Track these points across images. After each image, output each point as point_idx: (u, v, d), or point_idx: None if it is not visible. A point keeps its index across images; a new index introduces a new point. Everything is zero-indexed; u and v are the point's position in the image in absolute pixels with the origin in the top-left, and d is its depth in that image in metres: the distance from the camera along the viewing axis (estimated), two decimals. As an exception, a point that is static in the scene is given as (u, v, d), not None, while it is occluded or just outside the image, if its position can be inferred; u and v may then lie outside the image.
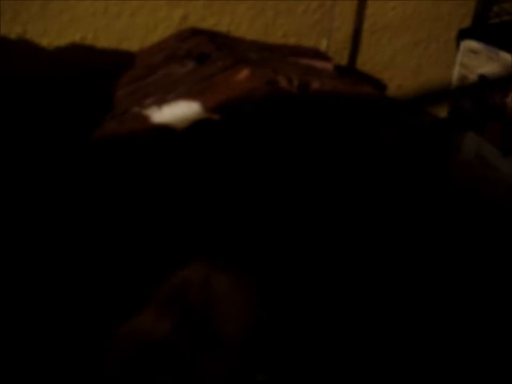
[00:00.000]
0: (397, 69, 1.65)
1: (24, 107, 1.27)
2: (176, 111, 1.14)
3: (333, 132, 1.19)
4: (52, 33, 1.35)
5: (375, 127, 1.25)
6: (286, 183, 1.14)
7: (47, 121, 1.23)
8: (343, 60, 1.60)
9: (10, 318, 0.95)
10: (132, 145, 1.12)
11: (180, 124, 1.14)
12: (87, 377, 0.86)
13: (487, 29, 1.55)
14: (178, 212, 1.08)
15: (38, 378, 0.90)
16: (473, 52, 1.33)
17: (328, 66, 1.38)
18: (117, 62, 1.36)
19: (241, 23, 1.46)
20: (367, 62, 1.62)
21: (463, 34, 1.46)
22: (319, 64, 1.37)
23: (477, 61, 1.32)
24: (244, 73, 1.17)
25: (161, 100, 1.16)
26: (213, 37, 1.34)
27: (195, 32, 1.35)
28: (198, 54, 1.26)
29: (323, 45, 1.54)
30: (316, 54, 1.45)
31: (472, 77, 1.34)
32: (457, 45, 1.46)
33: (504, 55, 1.28)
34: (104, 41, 1.39)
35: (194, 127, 1.13)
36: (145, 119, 1.14)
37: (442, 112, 1.51)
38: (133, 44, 1.41)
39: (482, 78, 1.32)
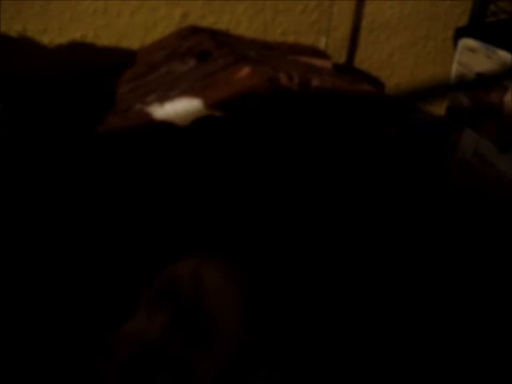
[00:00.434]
0: (395, 67, 1.66)
1: (26, 105, 1.27)
2: (178, 108, 1.15)
3: (332, 128, 1.20)
4: (53, 31, 1.36)
5: (373, 125, 1.26)
6: (284, 178, 1.14)
7: (49, 119, 1.24)
8: (341, 58, 1.60)
9: (10, 319, 0.95)
10: (134, 141, 1.12)
11: (181, 121, 1.14)
12: (85, 380, 0.87)
13: (484, 27, 1.56)
14: (173, 207, 1.09)
15: (38, 378, 0.90)
16: (471, 50, 1.34)
17: (327, 64, 1.38)
18: (118, 60, 1.37)
19: (241, 22, 1.46)
20: (365, 60, 1.63)
21: (460, 33, 1.47)
22: (318, 62, 1.38)
23: (475, 59, 1.33)
24: (245, 71, 1.17)
25: (163, 97, 1.16)
26: (213, 35, 1.34)
27: (195, 30, 1.36)
28: (199, 51, 1.27)
29: (321, 43, 1.55)
30: (315, 52, 1.45)
31: (470, 75, 1.34)
32: (455, 44, 1.46)
33: (502, 53, 1.29)
34: (104, 40, 1.39)
35: (195, 123, 1.14)
36: (148, 115, 1.15)
37: (440, 109, 1.52)
38: (133, 42, 1.41)
39: (480, 75, 1.33)
